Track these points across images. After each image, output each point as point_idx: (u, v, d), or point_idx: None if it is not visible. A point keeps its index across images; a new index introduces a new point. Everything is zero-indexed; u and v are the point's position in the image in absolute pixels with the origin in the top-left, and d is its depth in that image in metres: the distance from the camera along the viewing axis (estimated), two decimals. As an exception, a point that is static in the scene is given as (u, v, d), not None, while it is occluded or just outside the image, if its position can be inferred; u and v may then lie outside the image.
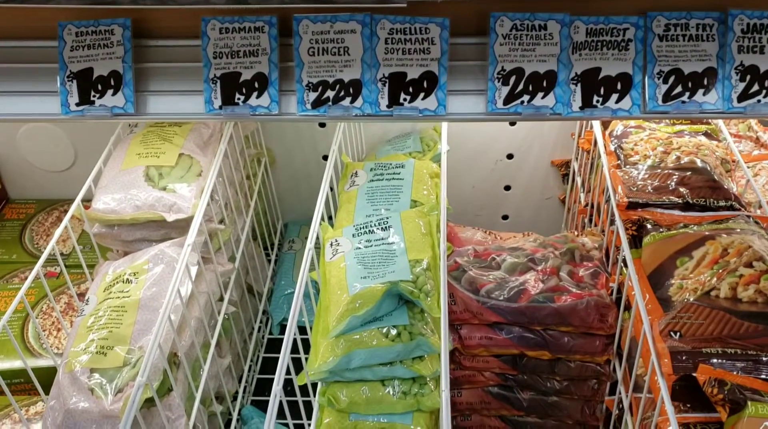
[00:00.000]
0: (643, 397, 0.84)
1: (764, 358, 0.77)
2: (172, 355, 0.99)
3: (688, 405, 0.80)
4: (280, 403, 0.81)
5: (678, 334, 0.81)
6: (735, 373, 0.76)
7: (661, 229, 0.97)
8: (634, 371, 0.89)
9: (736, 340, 0.79)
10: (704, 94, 0.74)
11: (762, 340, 0.78)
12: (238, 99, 0.77)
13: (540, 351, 1.03)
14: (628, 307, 0.97)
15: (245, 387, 1.31)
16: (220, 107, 0.78)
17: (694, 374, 0.77)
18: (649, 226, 0.99)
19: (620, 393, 0.99)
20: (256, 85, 0.77)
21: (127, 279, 1.06)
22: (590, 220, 1.23)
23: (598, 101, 0.74)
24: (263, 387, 1.36)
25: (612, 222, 1.06)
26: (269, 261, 1.55)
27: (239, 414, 1.24)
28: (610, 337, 1.01)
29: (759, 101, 0.74)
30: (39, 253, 1.45)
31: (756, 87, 0.74)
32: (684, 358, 0.78)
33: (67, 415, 0.92)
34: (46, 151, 1.55)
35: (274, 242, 1.59)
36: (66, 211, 1.10)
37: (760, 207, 1.06)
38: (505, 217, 1.57)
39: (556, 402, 1.08)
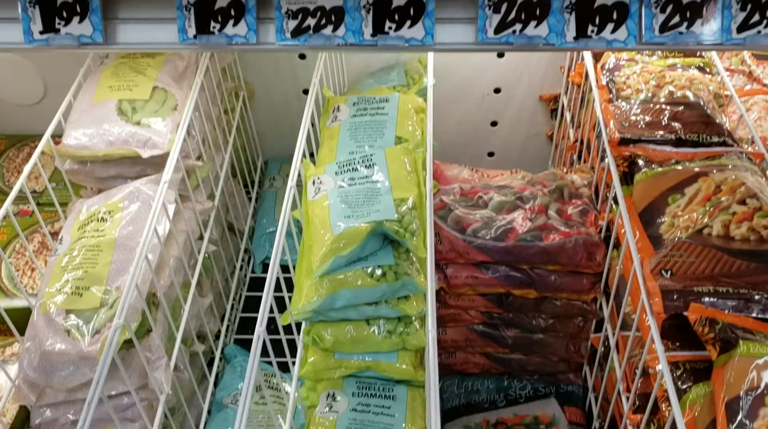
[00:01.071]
0: (632, 335, 0.84)
1: (756, 297, 0.76)
2: (150, 296, 0.97)
3: (677, 343, 0.79)
4: (264, 342, 0.79)
5: (669, 272, 0.80)
6: (727, 311, 0.75)
7: (652, 166, 0.95)
8: (622, 310, 0.88)
9: (728, 278, 0.78)
10: (702, 25, 0.70)
11: (754, 279, 0.77)
12: (214, 27, 0.72)
13: (526, 290, 1.01)
14: (617, 246, 0.96)
15: (228, 326, 1.29)
16: (195, 36, 0.73)
17: (684, 313, 0.76)
18: (640, 162, 0.96)
19: (606, 331, 0.98)
20: (233, 12, 0.72)
21: (102, 217, 1.02)
22: (579, 157, 1.20)
23: (592, 31, 0.70)
24: (246, 325, 1.34)
25: (602, 158, 1.04)
26: (250, 199, 1.51)
27: (222, 353, 1.23)
28: (598, 275, 0.99)
29: (759, 32, 0.70)
30: (10, 190, 1.40)
31: (757, 17, 0.71)
32: (675, 296, 0.77)
33: (44, 357, 0.90)
34: (14, 83, 1.48)
35: (255, 180, 1.55)
36: (37, 147, 1.05)
37: (753, 143, 1.04)
38: (490, 154, 1.54)
39: (541, 339, 1.07)
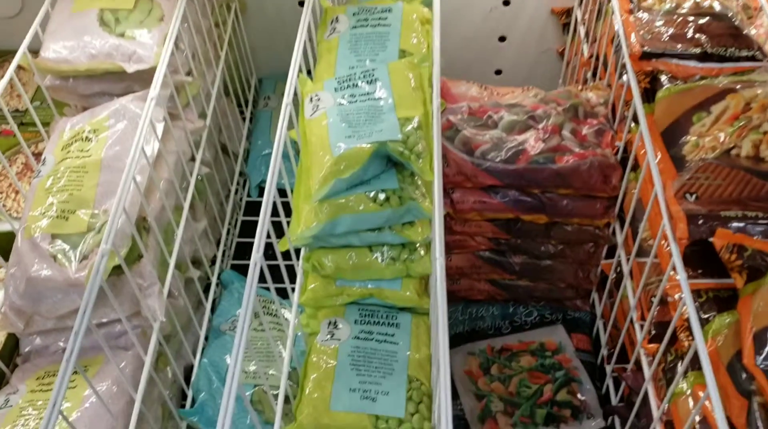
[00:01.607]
0: (649, 262, 0.79)
1: (789, 222, 0.71)
2: (140, 220, 0.91)
3: (699, 271, 0.75)
4: (261, 268, 0.75)
5: (694, 195, 0.75)
6: (756, 237, 0.70)
7: (676, 82, 0.88)
8: (638, 236, 0.84)
9: (757, 202, 0.73)
10: None
11: (787, 203, 0.72)
12: None
13: (536, 215, 0.96)
14: (635, 168, 0.90)
15: (224, 251, 1.25)
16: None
17: (710, 239, 0.71)
18: (663, 78, 0.90)
19: (620, 257, 0.94)
20: None
21: (87, 137, 0.96)
22: (594, 75, 1.13)
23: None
24: (243, 251, 1.30)
25: (621, 75, 0.97)
26: (243, 119, 1.44)
27: (218, 279, 1.19)
28: (613, 199, 0.94)
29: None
30: (-9, 110, 1.32)
31: None
32: (700, 221, 0.72)
33: (30, 283, 0.85)
34: (-11, -5, 1.38)
35: (248, 99, 1.47)
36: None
37: (783, 58, 0.97)
38: (498, 72, 1.46)
39: (550, 266, 1.03)
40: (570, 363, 1.02)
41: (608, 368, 1.00)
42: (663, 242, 0.78)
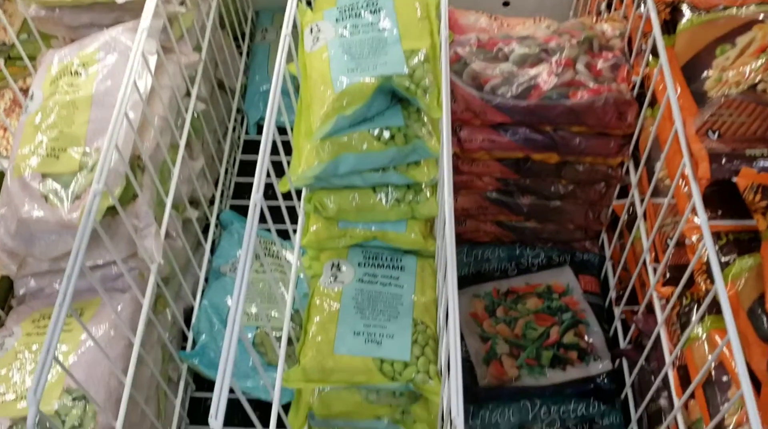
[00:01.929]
0: (666, 203, 0.76)
1: (818, 162, 0.67)
2: (134, 158, 0.88)
3: (719, 212, 0.72)
4: (261, 208, 0.71)
5: (716, 133, 0.71)
6: (782, 178, 0.67)
7: (699, 12, 0.83)
8: (655, 176, 0.80)
9: (784, 140, 0.69)
10: None
11: (816, 141, 0.69)
12: None
13: (547, 154, 0.93)
14: (652, 104, 0.86)
15: (222, 191, 1.21)
16: None
17: (733, 179, 0.67)
18: (684, 8, 0.84)
19: (633, 198, 0.90)
20: None
21: (76, 71, 0.91)
22: (609, 6, 1.07)
23: None
24: (242, 191, 1.27)
25: (639, 5, 0.91)
26: (240, 53, 1.38)
27: (217, 219, 1.16)
28: (628, 137, 0.90)
29: None
30: (-24, 43, 1.27)
31: None
32: (723, 160, 0.69)
33: (21, 224, 0.82)
34: None
35: (245, 32, 1.41)
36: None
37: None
38: (506, 4, 1.39)
39: (559, 207, 1.00)
40: (577, 305, 1.00)
41: (617, 311, 0.98)
42: (681, 182, 0.75)
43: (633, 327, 0.89)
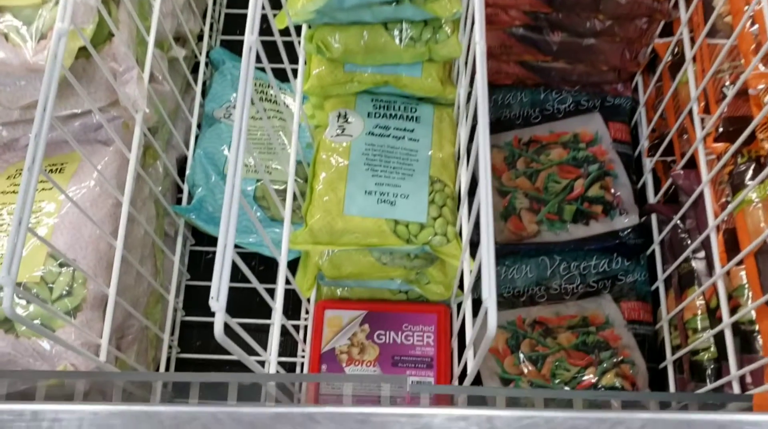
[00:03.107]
0: (727, 45, 0.65)
1: None
2: (105, -11, 0.75)
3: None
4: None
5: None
6: None
7: None
8: (715, 12, 0.69)
9: None
10: None
11: None
12: None
13: (586, -18, 0.80)
14: None
15: (212, 25, 1.08)
16: None
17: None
18: None
19: (681, 35, 0.79)
20: None
21: None
22: None
23: None
24: (233, 24, 1.13)
25: None
26: None
27: (207, 57, 1.04)
28: (682, -38, 0.77)
29: None
30: None
31: None
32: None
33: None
34: None
35: None
36: None
37: None
38: None
39: (593, 45, 0.89)
40: (605, 155, 0.92)
41: (648, 162, 0.90)
42: (747, 23, 0.64)
43: (669, 182, 0.82)
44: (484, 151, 0.51)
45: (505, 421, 0.39)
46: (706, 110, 0.72)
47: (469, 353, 0.60)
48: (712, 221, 0.67)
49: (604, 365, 0.80)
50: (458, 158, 0.75)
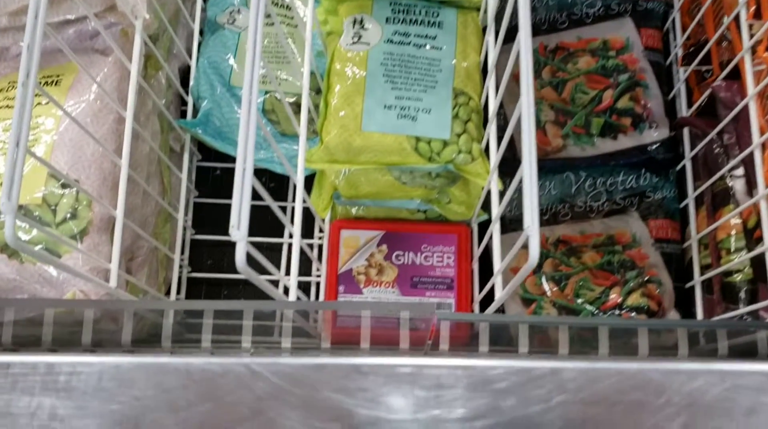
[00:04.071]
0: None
1: None
2: None
3: None
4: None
5: None
6: None
7: None
8: None
9: None
10: None
11: None
12: None
13: None
14: None
15: None
16: None
17: None
18: None
19: (730, -69, 0.72)
20: None
21: None
22: None
23: None
24: None
25: None
26: None
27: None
28: None
29: None
30: None
31: None
32: None
33: (-37, -30, 0.65)
34: None
35: None
36: None
37: None
38: None
39: (628, -58, 0.81)
40: (636, 64, 0.86)
41: (681, 72, 0.85)
42: None
43: (707, 93, 0.76)
44: (526, 54, 0.47)
45: (571, 374, 0.36)
46: (757, 15, 0.66)
47: (497, 280, 0.57)
48: (757, 138, 0.63)
49: (630, 285, 0.77)
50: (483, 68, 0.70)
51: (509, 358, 0.37)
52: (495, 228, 0.60)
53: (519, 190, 0.84)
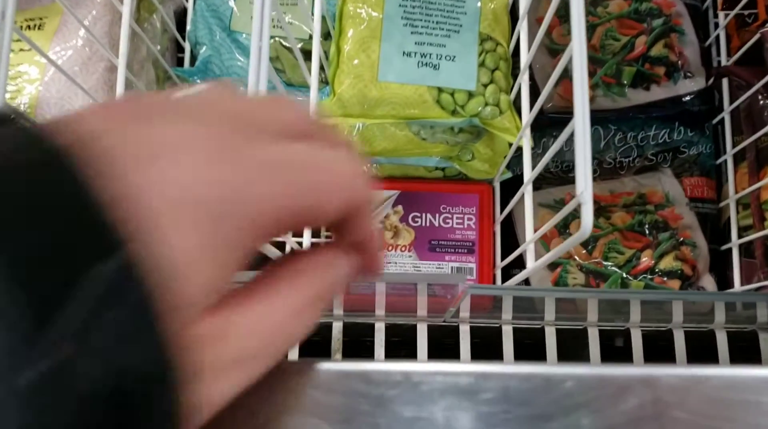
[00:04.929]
0: None
1: None
2: None
3: None
4: None
5: None
6: None
7: None
8: None
9: None
10: None
11: None
12: None
13: None
14: None
15: None
16: None
17: None
18: None
19: None
20: None
21: None
22: None
23: None
24: None
25: None
26: None
27: None
28: None
29: None
30: None
31: None
32: None
33: None
34: None
35: None
36: None
37: None
38: None
39: None
40: (672, 8, 0.79)
41: (722, 17, 0.78)
42: None
43: (755, 38, 0.70)
44: None
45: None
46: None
47: (530, 248, 0.52)
48: (815, 89, 0.57)
49: (663, 247, 0.72)
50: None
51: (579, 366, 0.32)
52: (527, 190, 0.55)
53: (543, 148, 0.79)
